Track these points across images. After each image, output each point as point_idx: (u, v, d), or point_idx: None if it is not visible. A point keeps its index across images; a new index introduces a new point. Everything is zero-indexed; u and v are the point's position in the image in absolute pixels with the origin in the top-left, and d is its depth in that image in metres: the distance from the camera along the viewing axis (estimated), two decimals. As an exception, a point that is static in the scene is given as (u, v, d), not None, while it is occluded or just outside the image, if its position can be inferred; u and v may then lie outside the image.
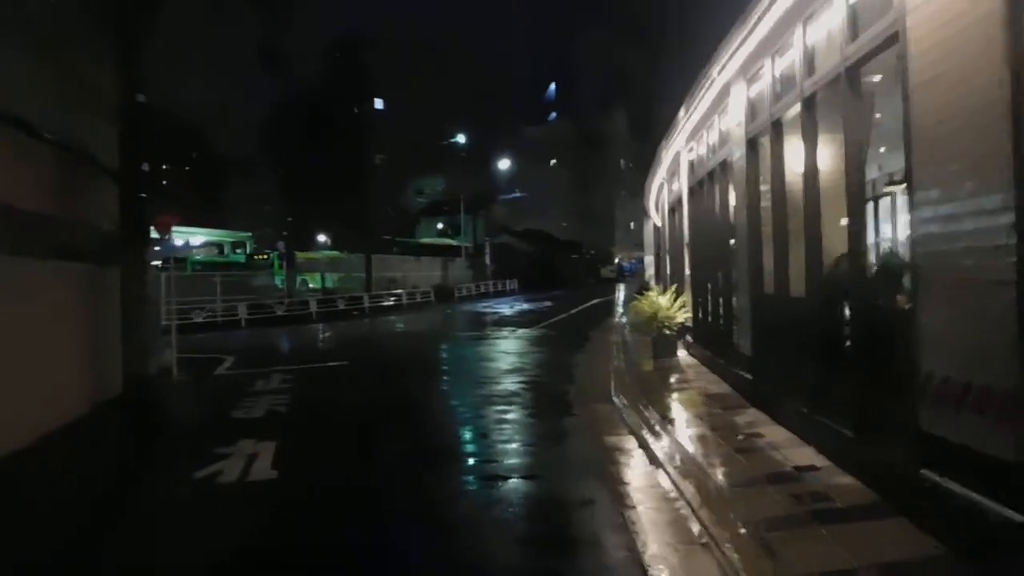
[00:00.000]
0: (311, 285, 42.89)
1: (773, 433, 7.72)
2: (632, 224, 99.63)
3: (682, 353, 14.73)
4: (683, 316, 14.53)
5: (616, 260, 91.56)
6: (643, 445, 7.87)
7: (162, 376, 14.02)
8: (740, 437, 7.74)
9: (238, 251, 55.38)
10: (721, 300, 11.66)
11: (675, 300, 14.78)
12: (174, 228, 48.17)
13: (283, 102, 69.54)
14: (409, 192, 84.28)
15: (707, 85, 10.60)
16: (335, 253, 49.85)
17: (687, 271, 15.18)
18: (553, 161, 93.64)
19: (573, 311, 32.38)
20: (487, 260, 63.11)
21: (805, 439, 7.08)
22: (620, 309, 31.41)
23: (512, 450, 8.10)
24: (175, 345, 15.34)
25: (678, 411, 9.46)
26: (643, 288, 21.07)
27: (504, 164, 69.60)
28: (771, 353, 8.44)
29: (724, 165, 10.91)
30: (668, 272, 20.25)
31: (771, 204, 8.24)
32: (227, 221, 67.72)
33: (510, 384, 12.74)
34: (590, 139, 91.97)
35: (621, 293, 48.83)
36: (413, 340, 23.80)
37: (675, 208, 18.57)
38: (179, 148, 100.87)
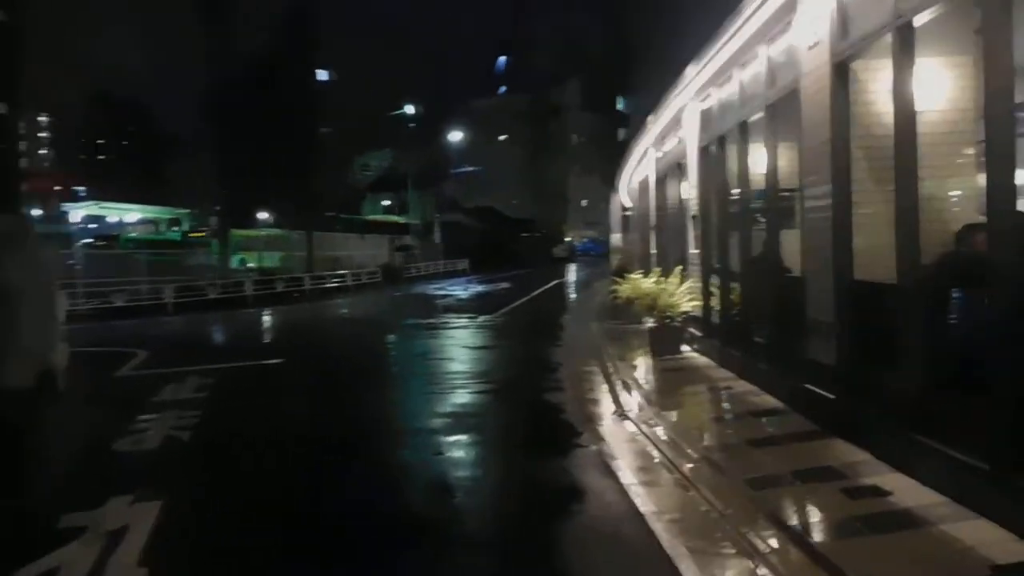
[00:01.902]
0: (250, 265, 39.55)
1: (902, 488, 5.21)
2: (584, 202, 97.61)
3: (687, 349, 12.27)
4: (689, 305, 12.04)
5: (568, 239, 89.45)
6: (712, 506, 5.30)
7: (43, 383, 11.02)
8: (853, 491, 5.23)
9: (175, 228, 51.91)
10: (762, 287, 9.14)
11: (679, 285, 12.28)
12: (105, 204, 44.33)
13: (224, 73, 65.58)
14: (355, 167, 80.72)
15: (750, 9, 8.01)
16: (275, 230, 46.48)
17: (692, 250, 12.68)
18: (503, 136, 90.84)
19: (534, 294, 29.81)
20: (437, 238, 60.15)
21: (977, 508, 4.58)
22: (584, 293, 29.01)
23: (513, 533, 5.30)
24: (66, 339, 12.31)
25: (734, 441, 6.90)
26: (622, 270, 18.57)
27: (454, 137, 66.37)
28: (883, 367, 5.94)
29: (774, 108, 8.36)
30: (654, 251, 17.79)
31: (893, 152, 5.68)
32: (167, 197, 63.59)
33: (485, 393, 10.09)
34: (541, 114, 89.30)
35: (579, 274, 46.51)
36: (360, 329, 20.91)
37: (667, 176, 16.07)
38: (117, 123, 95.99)
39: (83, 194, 79.91)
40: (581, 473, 6.23)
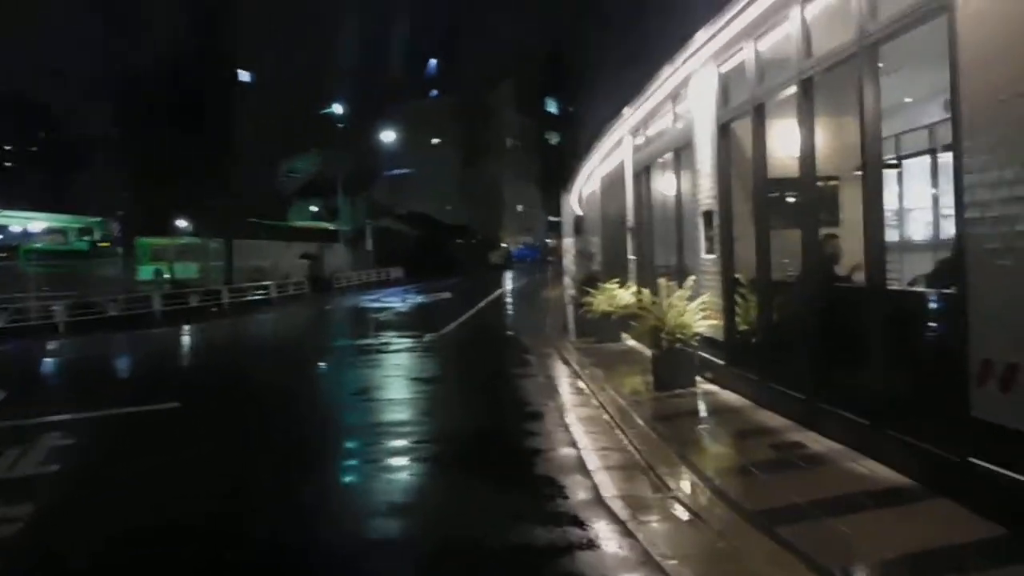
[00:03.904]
0: (167, 276, 35.74)
1: None
2: (520, 207, 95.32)
3: (700, 379, 9.65)
4: (704, 324, 9.45)
5: (504, 245, 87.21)
6: None
7: None
8: None
9: (85, 238, 47.65)
10: (843, 305, 6.56)
11: (688, 299, 9.67)
12: (7, 213, 40.47)
13: (137, 74, 61.18)
14: (280, 172, 76.53)
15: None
16: (192, 239, 42.59)
17: (704, 254, 10.06)
18: (436, 140, 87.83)
19: (480, 305, 27.01)
20: (368, 246, 56.76)
21: None
22: (534, 305, 26.41)
23: None
24: None
25: (893, 557, 4.22)
26: (591, 279, 15.95)
27: (386, 138, 62.83)
28: None
29: (871, 51, 5.78)
30: (632, 257, 15.20)
31: None
32: (79, 205, 58.69)
33: (456, 466, 7.14)
34: (474, 117, 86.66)
35: (521, 282, 43.95)
36: (281, 355, 17.47)
37: (652, 167, 13.49)
38: (25, 128, 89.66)
39: (-16, 203, 74.01)
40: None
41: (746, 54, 8.29)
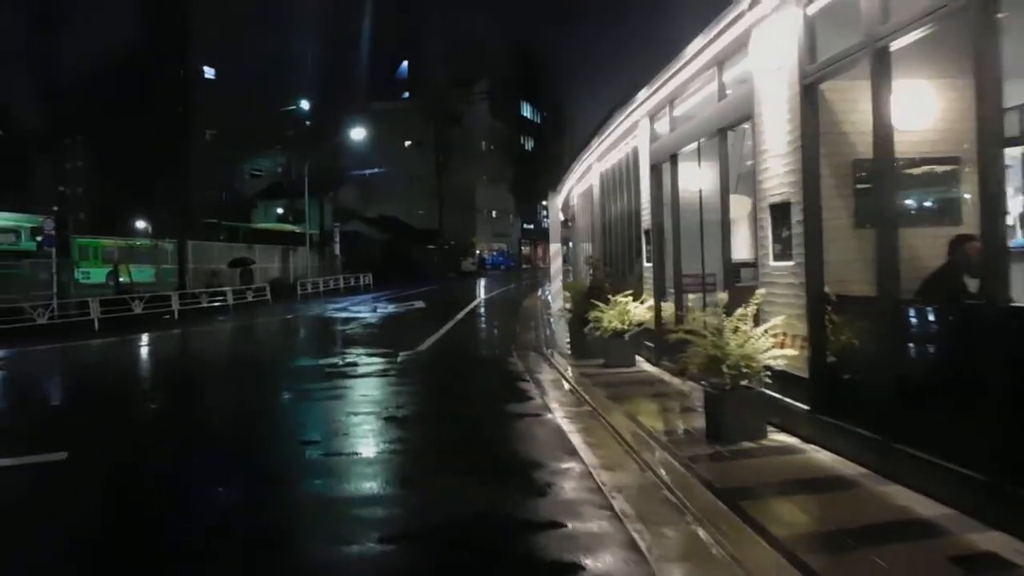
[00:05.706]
0: (122, 279, 32.72)
1: None
2: (494, 212, 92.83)
3: (783, 435, 7.22)
4: (775, 356, 7.01)
5: (477, 252, 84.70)
6: None
7: None
8: None
9: (38, 238, 44.31)
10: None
11: (752, 321, 7.25)
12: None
13: (96, 67, 58.33)
14: (244, 172, 73.31)
15: None
16: (143, 240, 39.52)
17: (771, 261, 7.61)
18: (407, 143, 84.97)
19: (459, 316, 24.42)
20: (336, 250, 53.88)
21: None
22: (517, 316, 23.96)
23: None
24: None
25: None
26: (598, 290, 13.42)
27: (356, 136, 59.68)
28: None
29: None
30: (648, 264, 12.75)
31: None
32: (34, 204, 55.42)
33: None
34: (447, 119, 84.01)
35: (497, 291, 41.55)
36: (222, 379, 14.26)
37: (677, 157, 11.06)
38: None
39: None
40: None
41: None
